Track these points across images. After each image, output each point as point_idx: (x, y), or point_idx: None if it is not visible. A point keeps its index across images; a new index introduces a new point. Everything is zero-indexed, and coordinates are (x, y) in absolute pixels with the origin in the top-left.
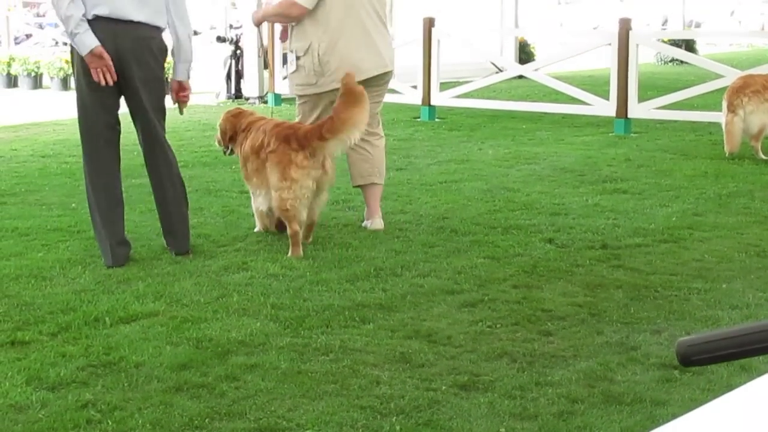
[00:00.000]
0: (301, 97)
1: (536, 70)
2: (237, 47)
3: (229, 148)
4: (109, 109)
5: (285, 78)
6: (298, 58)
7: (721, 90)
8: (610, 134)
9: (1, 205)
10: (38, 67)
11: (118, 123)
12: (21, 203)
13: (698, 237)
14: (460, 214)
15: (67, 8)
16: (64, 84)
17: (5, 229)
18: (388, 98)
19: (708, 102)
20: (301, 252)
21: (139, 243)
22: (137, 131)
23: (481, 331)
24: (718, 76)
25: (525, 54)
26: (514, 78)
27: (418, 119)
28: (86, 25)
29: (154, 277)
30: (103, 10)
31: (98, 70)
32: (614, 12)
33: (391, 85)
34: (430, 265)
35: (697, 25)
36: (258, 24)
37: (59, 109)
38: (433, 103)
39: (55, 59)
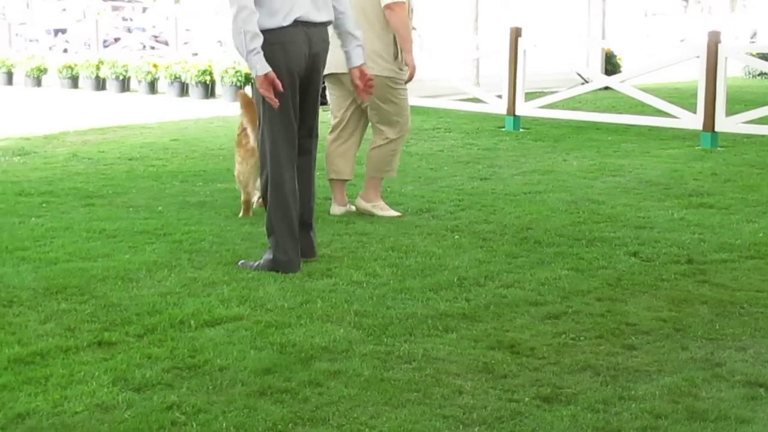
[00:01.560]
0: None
1: (622, 81)
2: None
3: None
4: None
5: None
6: None
7: None
8: (697, 148)
9: (89, 206)
10: (126, 71)
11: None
12: (108, 205)
13: None
14: (544, 225)
15: (246, 22)
16: (151, 88)
17: (93, 231)
18: (473, 108)
19: None
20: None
21: (224, 247)
22: (302, 131)
23: (564, 343)
24: None
25: (611, 65)
26: (600, 89)
27: (503, 129)
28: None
29: (239, 281)
30: (299, 13)
31: (269, 92)
32: (702, 24)
33: (477, 94)
34: (513, 276)
35: None
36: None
37: (146, 112)
38: (517, 113)
39: (143, 63)
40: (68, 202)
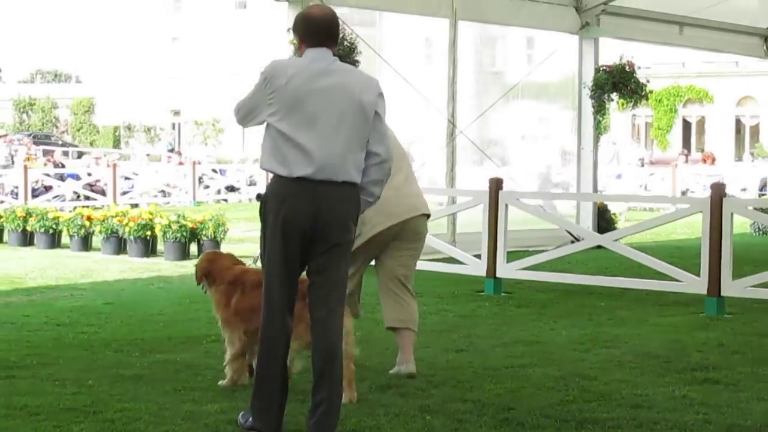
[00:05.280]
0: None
1: (617, 240)
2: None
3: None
4: None
5: None
6: None
7: None
8: (701, 315)
9: (9, 379)
10: (57, 224)
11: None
12: (32, 377)
13: None
14: (528, 404)
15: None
16: (85, 243)
17: (13, 407)
18: (448, 269)
19: None
20: None
21: (162, 428)
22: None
23: None
24: None
25: (604, 221)
26: (592, 248)
27: (482, 293)
28: None
29: None
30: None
31: None
32: (703, 175)
33: (452, 254)
34: None
35: None
36: None
37: (78, 271)
38: (498, 275)
39: (76, 215)
40: None
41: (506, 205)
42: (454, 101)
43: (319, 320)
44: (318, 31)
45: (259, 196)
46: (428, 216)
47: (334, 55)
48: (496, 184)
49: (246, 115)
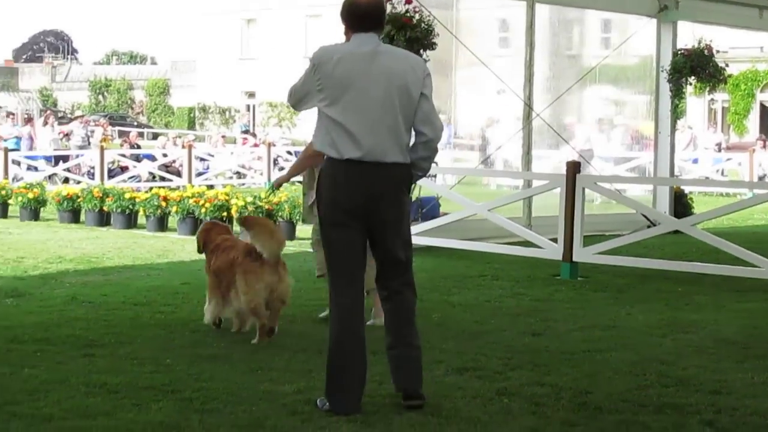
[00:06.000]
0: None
1: (694, 225)
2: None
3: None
4: None
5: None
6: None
7: None
8: None
9: (88, 357)
10: (133, 204)
11: None
12: (110, 356)
13: None
14: (606, 388)
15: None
16: (161, 224)
17: (93, 385)
18: (524, 252)
19: None
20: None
21: (240, 407)
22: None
23: None
24: None
25: (681, 206)
26: (669, 233)
27: (558, 277)
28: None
29: None
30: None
31: None
32: None
33: (528, 237)
34: None
35: None
36: (280, 184)
37: (154, 251)
38: (575, 259)
39: (152, 196)
40: (65, 351)
41: (583, 189)
42: (531, 84)
43: (390, 289)
44: (364, 17)
45: None
46: None
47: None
48: (573, 168)
49: (298, 100)
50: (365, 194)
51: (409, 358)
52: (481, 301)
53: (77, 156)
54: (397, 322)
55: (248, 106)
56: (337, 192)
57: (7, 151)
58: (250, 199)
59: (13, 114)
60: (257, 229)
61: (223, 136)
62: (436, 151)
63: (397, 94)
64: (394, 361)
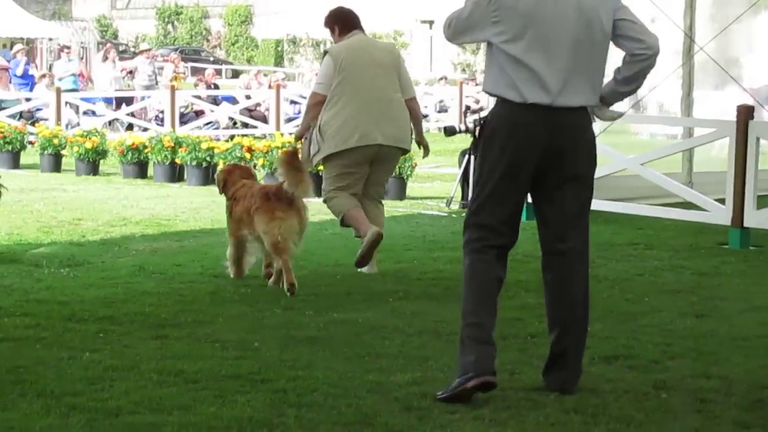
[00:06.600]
0: (323, 165)
1: None
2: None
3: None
4: None
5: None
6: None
7: None
8: None
9: (161, 339)
10: (211, 156)
11: None
12: (187, 338)
13: None
14: None
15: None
16: None
17: (167, 372)
18: (684, 216)
19: None
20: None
21: (344, 401)
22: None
23: None
24: None
25: None
26: None
27: (726, 246)
28: None
29: None
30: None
31: None
32: None
33: (689, 197)
34: None
35: None
36: (302, 136)
37: None
38: (746, 224)
39: (234, 146)
40: (133, 332)
41: (757, 139)
42: (692, 11)
43: (554, 261)
44: None
45: (447, 131)
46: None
47: None
48: (745, 113)
49: (462, 31)
50: (550, 145)
51: (579, 347)
52: (633, 275)
53: (143, 98)
54: (568, 299)
55: None
56: (515, 140)
57: (59, 91)
58: None
59: (68, 48)
60: (286, 168)
61: (317, 74)
62: (649, 66)
63: (587, 32)
64: (558, 350)
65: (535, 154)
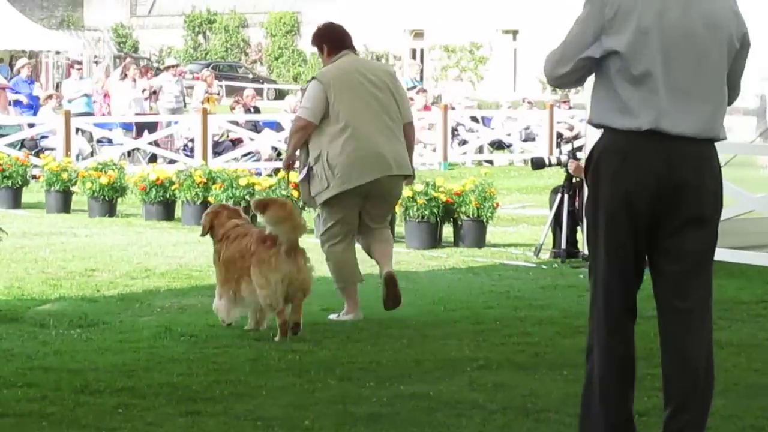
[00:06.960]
0: (321, 206)
1: None
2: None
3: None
4: None
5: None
6: (311, 168)
7: None
8: None
9: (192, 416)
10: (251, 194)
11: None
12: (224, 414)
13: None
14: None
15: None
16: None
17: None
18: None
19: None
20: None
21: None
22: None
23: None
24: None
25: None
26: None
27: None
28: None
29: None
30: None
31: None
32: None
33: None
34: None
35: None
36: (289, 165)
37: None
38: None
39: (279, 181)
40: (158, 407)
41: None
42: None
43: (672, 323)
44: None
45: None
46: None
47: None
48: None
49: (569, 57)
50: (667, 179)
51: (698, 427)
52: (762, 340)
53: (169, 124)
54: (689, 369)
55: (413, 51)
56: (626, 177)
57: (68, 115)
58: (419, 186)
59: (80, 63)
60: (272, 212)
61: None
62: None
63: (717, 46)
64: (673, 431)
65: (650, 190)
